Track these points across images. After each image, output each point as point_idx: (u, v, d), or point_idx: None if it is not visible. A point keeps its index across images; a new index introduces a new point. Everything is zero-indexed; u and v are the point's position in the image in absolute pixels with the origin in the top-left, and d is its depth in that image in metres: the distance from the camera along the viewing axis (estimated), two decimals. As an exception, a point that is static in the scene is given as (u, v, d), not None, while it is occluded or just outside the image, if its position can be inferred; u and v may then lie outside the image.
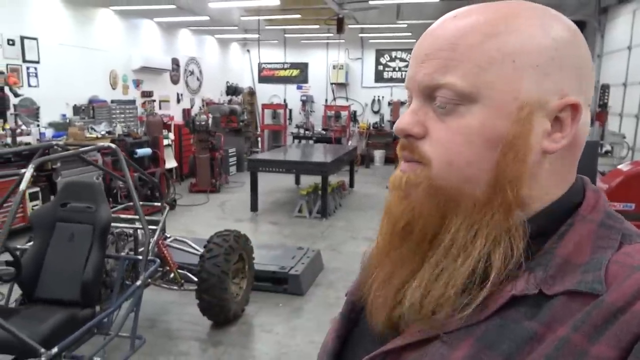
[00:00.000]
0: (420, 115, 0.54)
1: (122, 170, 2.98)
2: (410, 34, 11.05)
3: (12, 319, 2.47)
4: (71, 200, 2.97)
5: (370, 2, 8.02)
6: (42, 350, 2.13)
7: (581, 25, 9.64)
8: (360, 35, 11.81)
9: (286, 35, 12.31)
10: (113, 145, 2.94)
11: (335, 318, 0.68)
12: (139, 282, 2.73)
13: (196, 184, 8.34)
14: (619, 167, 3.91)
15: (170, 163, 8.32)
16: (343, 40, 11.48)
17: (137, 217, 3.62)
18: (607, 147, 6.59)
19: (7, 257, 2.42)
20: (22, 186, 2.24)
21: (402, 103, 12.55)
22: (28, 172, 2.27)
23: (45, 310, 2.63)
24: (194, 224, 6.17)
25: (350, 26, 10.28)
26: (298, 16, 9.42)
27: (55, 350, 2.17)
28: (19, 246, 3.03)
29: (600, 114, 6.55)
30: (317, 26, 10.13)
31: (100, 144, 3.13)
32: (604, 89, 6.70)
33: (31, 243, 3.05)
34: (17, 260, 2.42)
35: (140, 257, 2.96)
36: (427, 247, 0.53)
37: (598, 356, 0.42)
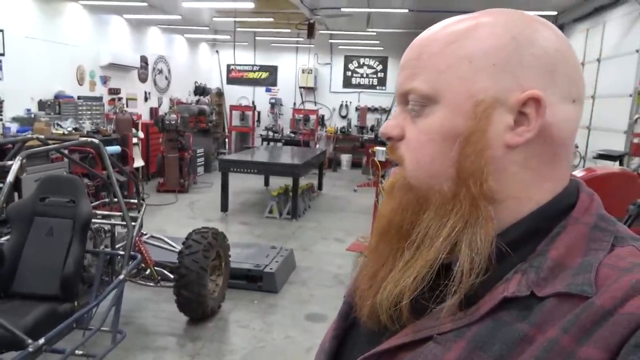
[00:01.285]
0: (399, 120, 0.58)
1: (104, 166, 2.99)
2: (378, 41, 11.34)
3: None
4: (50, 194, 2.95)
5: (342, 10, 8.21)
6: (29, 341, 2.14)
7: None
8: (330, 41, 12.01)
9: (257, 37, 12.35)
10: (96, 141, 2.94)
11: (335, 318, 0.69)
12: (121, 276, 2.76)
13: (164, 183, 8.26)
14: (573, 173, 4.21)
15: (138, 162, 8.21)
16: (313, 45, 11.64)
17: (113, 213, 3.64)
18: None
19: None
20: (10, 178, 2.24)
21: (369, 109, 12.84)
22: (16, 163, 2.27)
23: (25, 305, 2.62)
24: (165, 223, 6.13)
25: (320, 32, 10.45)
26: (270, 20, 9.50)
27: (42, 341, 2.19)
28: (-3, 240, 2.98)
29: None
30: (288, 30, 10.23)
31: (82, 139, 3.12)
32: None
33: (7, 237, 3.02)
34: (-1, 251, 2.40)
35: (122, 253, 2.98)
36: (404, 243, 0.55)
37: (586, 358, 0.42)
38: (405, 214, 0.56)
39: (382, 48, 12.09)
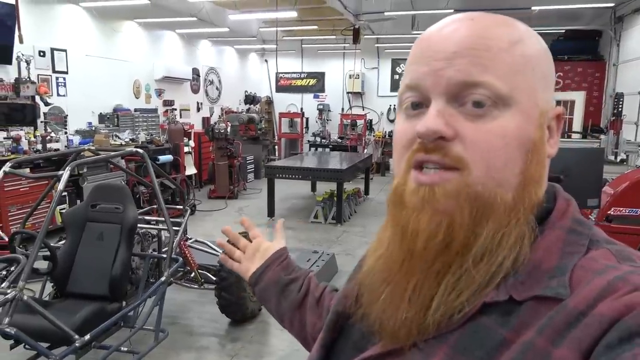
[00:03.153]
0: (446, 117, 0.51)
1: (148, 175, 3.17)
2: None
3: (47, 310, 2.67)
4: (101, 201, 3.16)
5: (386, 14, 8.19)
6: (76, 337, 2.31)
7: (597, 34, 9.67)
8: (377, 45, 11.99)
9: (303, 45, 12.55)
10: (140, 151, 3.13)
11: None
12: (163, 278, 2.91)
13: (215, 190, 8.56)
14: (626, 172, 3.97)
15: (190, 170, 8.56)
16: (359, 50, 11.66)
17: (160, 219, 3.83)
18: (622, 156, 6.60)
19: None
20: (60, 186, 2.44)
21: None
22: (65, 173, 2.47)
23: (77, 304, 2.82)
24: (214, 228, 6.36)
25: (366, 36, 10.47)
26: (315, 27, 9.64)
27: (87, 337, 2.35)
28: (52, 244, 3.23)
29: (615, 122, 6.57)
30: (334, 36, 10.33)
31: (129, 149, 3.32)
32: (619, 97, 6.72)
33: (62, 242, 3.26)
34: (53, 255, 2.61)
35: (164, 256, 3.14)
36: (456, 257, 0.51)
37: (560, 359, 0.43)
38: (462, 228, 0.50)
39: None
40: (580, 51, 9.67)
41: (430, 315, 0.51)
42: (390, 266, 0.56)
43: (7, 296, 2.15)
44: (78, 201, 5.76)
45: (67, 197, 5.99)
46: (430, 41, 0.54)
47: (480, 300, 0.49)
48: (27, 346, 2.65)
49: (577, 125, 9.14)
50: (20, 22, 5.46)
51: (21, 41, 5.57)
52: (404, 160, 0.54)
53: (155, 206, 4.39)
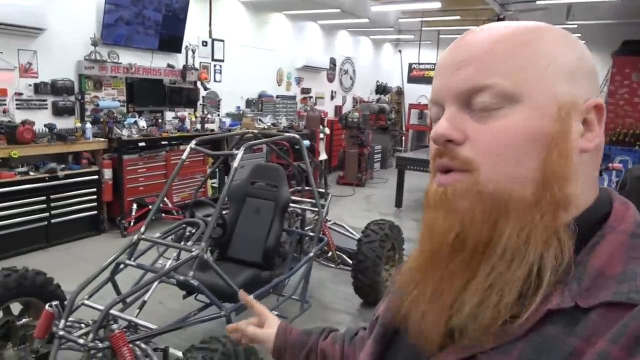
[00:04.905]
0: (456, 122, 0.53)
1: (302, 158, 3.46)
2: (580, 34, 10.23)
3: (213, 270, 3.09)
4: (259, 179, 3.53)
5: (538, 2, 7.67)
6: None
7: None
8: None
9: (440, 35, 12.25)
10: (297, 136, 3.43)
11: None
12: (311, 254, 3.18)
13: (344, 176, 8.86)
14: None
15: (323, 155, 8.97)
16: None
17: (304, 199, 4.14)
18: None
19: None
20: (236, 163, 2.79)
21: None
22: (240, 152, 2.82)
23: (236, 267, 3.20)
24: (342, 213, 6.63)
25: (511, 27, 9.89)
26: (457, 17, 9.37)
27: (251, 296, 2.68)
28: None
29: None
30: (476, 27, 9.93)
31: (287, 134, 3.64)
32: None
33: (225, 212, 3.71)
34: (225, 223, 3.00)
35: (311, 234, 3.41)
36: (479, 257, 0.51)
37: None
38: (481, 225, 0.51)
39: (583, 42, 10.85)
40: None
41: (467, 319, 0.50)
42: (418, 268, 0.57)
43: (192, 253, 2.55)
44: (226, 177, 6.41)
45: (217, 174, 6.70)
46: (444, 57, 0.57)
47: (544, 308, 0.47)
48: (197, 298, 3.10)
49: None
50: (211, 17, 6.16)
51: (210, 35, 6.35)
52: (432, 167, 0.58)
53: (297, 188, 4.74)
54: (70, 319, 2.29)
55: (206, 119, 6.82)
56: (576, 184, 0.52)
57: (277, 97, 8.92)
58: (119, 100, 5.93)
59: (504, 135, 0.51)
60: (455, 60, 0.54)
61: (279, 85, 9.17)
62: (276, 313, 3.06)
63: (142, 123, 5.83)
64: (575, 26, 9.24)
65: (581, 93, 0.53)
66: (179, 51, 6.66)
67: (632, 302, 0.44)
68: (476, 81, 0.52)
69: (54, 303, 2.19)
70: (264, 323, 1.00)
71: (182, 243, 3.00)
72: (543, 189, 0.50)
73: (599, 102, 0.54)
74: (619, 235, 0.50)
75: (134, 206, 5.48)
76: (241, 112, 7.94)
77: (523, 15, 9.00)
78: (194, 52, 6.87)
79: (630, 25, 9.15)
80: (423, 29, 10.65)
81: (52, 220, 4.94)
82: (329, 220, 4.19)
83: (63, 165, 5.01)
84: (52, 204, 4.91)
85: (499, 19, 8.91)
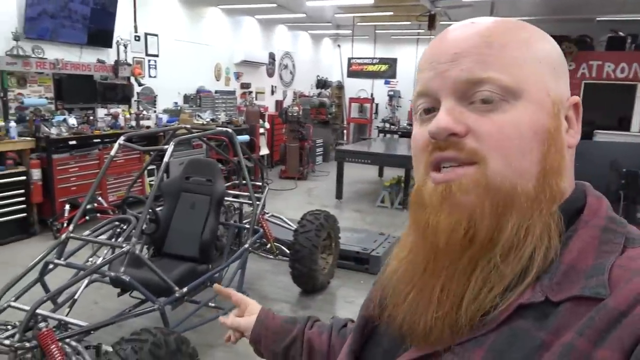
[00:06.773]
0: (456, 114, 0.52)
1: (235, 153, 3.50)
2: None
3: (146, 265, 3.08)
4: (193, 174, 3.54)
5: (464, 0, 8.06)
6: (177, 288, 2.68)
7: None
8: (452, 31, 11.74)
9: (377, 31, 12.56)
10: (230, 131, 3.47)
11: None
12: (246, 245, 3.24)
13: (285, 170, 8.94)
14: None
15: (264, 150, 9.00)
16: (434, 36, 11.44)
17: (241, 193, 4.18)
18: None
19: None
20: (166, 158, 2.81)
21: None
22: (170, 147, 2.83)
23: (172, 263, 3.21)
24: (284, 206, 6.71)
25: (442, 22, 10.31)
26: (390, 13, 9.65)
27: (185, 289, 2.72)
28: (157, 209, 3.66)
29: None
30: (409, 22, 10.28)
31: (219, 128, 3.67)
32: None
33: (160, 208, 3.69)
34: (158, 219, 3.01)
35: (246, 226, 3.47)
36: (483, 252, 0.51)
37: None
38: (486, 220, 0.50)
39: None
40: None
41: (462, 313, 0.50)
42: (415, 268, 0.56)
43: (123, 249, 2.55)
44: (164, 174, 6.31)
45: (155, 171, 6.58)
46: (434, 48, 0.56)
47: (516, 302, 0.49)
48: (132, 295, 3.09)
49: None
50: (136, 11, 6.00)
51: (136, 30, 6.17)
52: (422, 163, 0.56)
53: (235, 182, 4.77)
54: (-5, 321, 2.23)
55: (141, 115, 6.67)
56: (566, 179, 0.54)
57: (216, 92, 8.84)
58: (47, 98, 5.68)
59: (510, 128, 0.50)
60: (449, 52, 0.53)
61: (218, 81, 9.08)
62: (213, 305, 3.12)
63: (72, 121, 5.62)
64: (500, 22, 9.77)
65: (564, 90, 0.55)
66: (110, 46, 6.46)
67: (599, 297, 0.45)
68: (475, 73, 0.51)
69: (-23, 307, 2.13)
70: (243, 312, 0.97)
71: (114, 240, 2.98)
72: (543, 184, 0.51)
73: (577, 100, 0.56)
74: (591, 229, 0.51)
75: (67, 207, 5.28)
76: (179, 108, 7.81)
77: (451, 11, 9.43)
78: (125, 47, 6.69)
79: (551, 21, 9.79)
80: (360, 23, 10.89)
81: (-24, 225, 4.69)
82: (267, 213, 4.26)
83: (-15, 167, 4.76)
84: (-26, 208, 4.66)
85: (431, 16, 9.29)
